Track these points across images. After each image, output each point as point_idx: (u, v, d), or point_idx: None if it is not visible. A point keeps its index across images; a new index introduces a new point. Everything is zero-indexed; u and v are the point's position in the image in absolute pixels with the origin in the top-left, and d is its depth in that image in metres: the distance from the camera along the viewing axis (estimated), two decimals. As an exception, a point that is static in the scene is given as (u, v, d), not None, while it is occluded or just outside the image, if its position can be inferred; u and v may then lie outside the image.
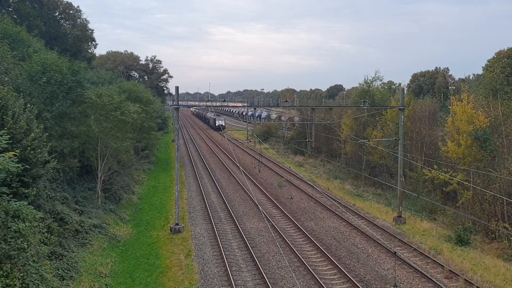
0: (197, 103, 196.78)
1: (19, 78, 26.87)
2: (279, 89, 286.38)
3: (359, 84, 58.49)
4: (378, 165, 48.16)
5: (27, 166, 18.82)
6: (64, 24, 64.53)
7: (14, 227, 15.65)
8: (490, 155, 34.69)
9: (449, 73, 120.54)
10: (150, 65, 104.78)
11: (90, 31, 68.23)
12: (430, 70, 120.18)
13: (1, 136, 15.85)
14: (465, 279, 21.47)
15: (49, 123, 26.06)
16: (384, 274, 22.46)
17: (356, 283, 20.99)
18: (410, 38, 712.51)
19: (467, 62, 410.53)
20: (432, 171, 36.86)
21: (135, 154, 47.11)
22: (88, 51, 69.14)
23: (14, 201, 16.35)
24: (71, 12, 65.40)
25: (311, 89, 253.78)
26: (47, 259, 19.70)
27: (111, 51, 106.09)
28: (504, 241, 29.70)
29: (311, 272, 22.09)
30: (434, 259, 24.39)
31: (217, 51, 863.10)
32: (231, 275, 21.69)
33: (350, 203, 37.61)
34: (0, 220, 15.43)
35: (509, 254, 28.07)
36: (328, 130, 57.41)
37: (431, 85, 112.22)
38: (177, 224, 29.45)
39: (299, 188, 42.74)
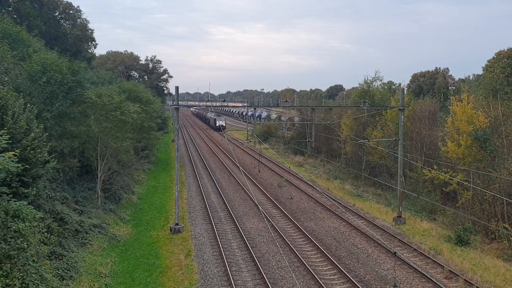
0: (197, 103, 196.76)
1: (19, 78, 26.87)
2: (279, 89, 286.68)
3: (359, 84, 58.63)
4: (378, 165, 48.16)
5: (27, 166, 18.82)
6: (64, 24, 64.56)
7: (14, 227, 15.64)
8: (490, 155, 34.69)
9: (449, 73, 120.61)
10: (150, 65, 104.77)
11: (90, 31, 68.28)
12: (430, 70, 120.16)
13: (1, 136, 15.84)
14: (465, 279, 21.47)
15: (49, 123, 26.06)
16: (384, 274, 22.46)
17: (356, 283, 20.98)
18: (410, 38, 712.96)
19: (467, 62, 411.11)
20: (432, 171, 36.86)
21: (135, 154, 47.13)
22: (88, 51, 69.17)
23: (14, 201, 16.35)
24: (71, 12, 65.43)
25: (311, 89, 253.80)
26: (47, 259, 19.70)
27: (111, 51, 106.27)
28: (504, 242, 29.70)
29: (311, 272, 22.09)
30: (434, 259, 24.40)
31: (217, 51, 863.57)
32: (231, 275, 21.69)
33: (350, 203, 37.62)
34: (0, 220, 15.43)
35: (509, 254, 28.08)
36: (328, 130, 57.42)
37: (431, 85, 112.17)
38: (177, 224, 29.45)
39: (299, 188, 42.74)
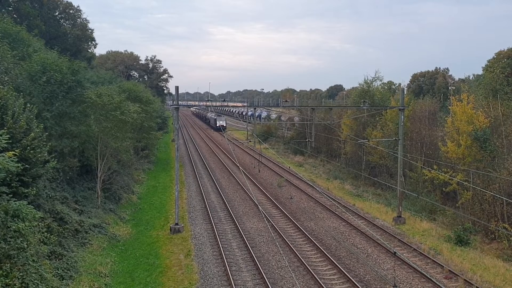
0: (197, 103, 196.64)
1: (19, 78, 26.86)
2: (279, 89, 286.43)
3: (359, 84, 58.63)
4: (378, 165, 48.17)
5: (26, 165, 18.83)
6: (64, 23, 64.51)
7: (13, 227, 15.64)
8: (490, 155, 34.70)
9: (449, 73, 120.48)
10: (150, 65, 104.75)
11: (90, 30, 68.24)
12: (430, 70, 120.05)
13: (1, 135, 15.84)
14: (464, 279, 21.48)
15: (49, 123, 26.06)
16: (384, 274, 22.47)
17: (356, 283, 20.99)
18: (410, 38, 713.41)
19: (467, 62, 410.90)
20: (432, 171, 36.87)
21: (135, 154, 47.12)
22: (88, 51, 69.12)
23: (14, 201, 16.35)
24: (71, 11, 65.38)
25: (311, 89, 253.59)
26: (47, 259, 19.70)
27: (111, 50, 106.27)
28: (504, 242, 29.70)
29: (311, 272, 22.09)
30: (434, 259, 24.40)
31: (217, 51, 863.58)
32: (231, 275, 21.69)
33: (350, 203, 37.62)
34: (0, 219, 15.43)
35: (508, 254, 28.09)
36: (328, 130, 57.42)
37: (431, 85, 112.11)
38: (176, 224, 29.45)
39: (299, 188, 42.74)
